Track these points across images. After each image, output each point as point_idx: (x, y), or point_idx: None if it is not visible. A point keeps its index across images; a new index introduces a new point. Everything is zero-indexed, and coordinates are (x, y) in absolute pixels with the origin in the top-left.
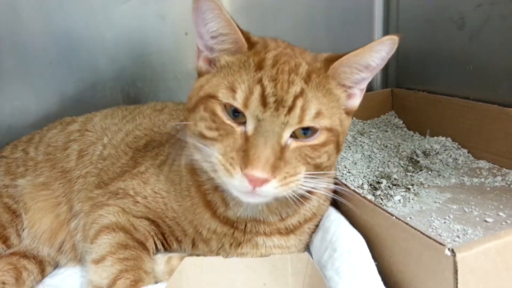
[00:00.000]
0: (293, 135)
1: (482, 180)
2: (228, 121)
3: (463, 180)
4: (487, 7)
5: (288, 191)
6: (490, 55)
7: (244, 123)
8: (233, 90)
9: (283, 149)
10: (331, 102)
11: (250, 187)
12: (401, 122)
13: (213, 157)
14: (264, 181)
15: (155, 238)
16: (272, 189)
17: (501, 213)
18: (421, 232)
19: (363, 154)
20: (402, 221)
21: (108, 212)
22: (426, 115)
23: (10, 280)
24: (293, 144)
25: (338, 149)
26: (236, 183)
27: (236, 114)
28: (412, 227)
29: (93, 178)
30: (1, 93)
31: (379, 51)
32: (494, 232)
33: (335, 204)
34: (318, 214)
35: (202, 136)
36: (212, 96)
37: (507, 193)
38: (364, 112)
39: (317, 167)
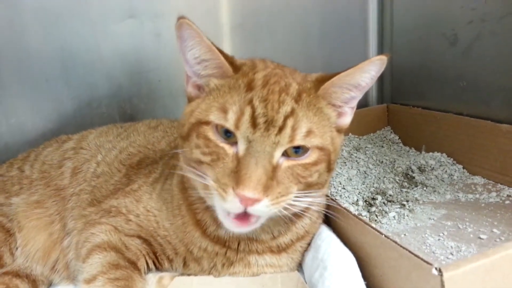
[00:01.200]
0: (285, 154)
1: (477, 196)
2: (221, 144)
3: (458, 196)
4: (478, 23)
5: (279, 209)
6: (482, 71)
7: (236, 143)
8: (224, 111)
9: (275, 168)
10: (322, 121)
11: (241, 207)
12: (397, 137)
13: (208, 181)
14: (256, 201)
15: (147, 257)
16: (264, 207)
17: (495, 230)
18: (409, 251)
19: (359, 170)
20: (391, 239)
21: (100, 230)
22: (422, 131)
23: None
24: (285, 163)
25: (329, 167)
26: (228, 205)
27: (228, 135)
28: (401, 246)
29: (86, 196)
30: None
31: (369, 71)
32: (488, 249)
33: (326, 221)
34: (311, 232)
35: (199, 162)
36: (203, 122)
37: (502, 209)
38: (360, 128)
39: (308, 185)
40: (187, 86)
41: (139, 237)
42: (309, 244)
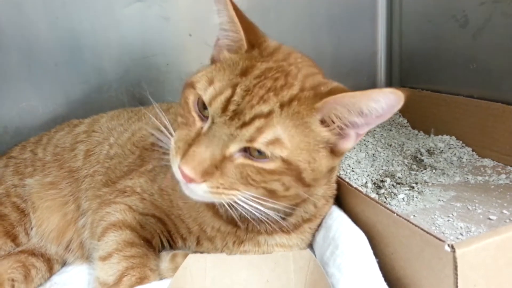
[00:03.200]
0: (247, 151)
1: (486, 178)
2: (193, 112)
3: (467, 178)
4: (490, 5)
5: (221, 201)
6: (493, 53)
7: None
8: (209, 84)
9: (224, 159)
10: (304, 136)
11: (182, 179)
12: (406, 121)
13: (171, 140)
14: (192, 181)
15: (161, 236)
16: (201, 191)
17: (505, 211)
18: (422, 229)
19: (367, 153)
20: (403, 218)
21: (115, 210)
22: (430, 114)
23: (19, 278)
24: (240, 159)
25: (304, 183)
26: (174, 169)
27: (205, 108)
28: (413, 223)
29: (100, 177)
30: (8, 95)
31: (378, 102)
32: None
33: (337, 201)
34: (319, 215)
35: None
36: (191, 85)
37: (511, 190)
38: None
39: (271, 193)
40: (214, 48)
41: (154, 216)
42: (319, 226)
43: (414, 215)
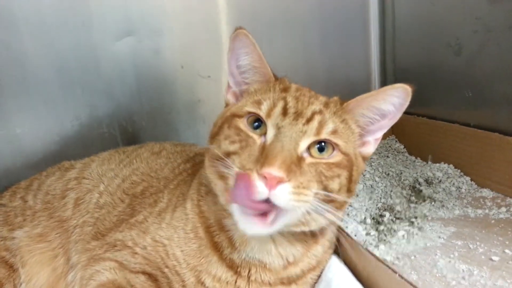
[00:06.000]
0: (309, 152)
1: (487, 211)
2: (251, 133)
3: (467, 211)
4: (483, 34)
5: (300, 205)
6: (488, 82)
7: (264, 134)
8: (259, 103)
9: (299, 158)
10: (347, 130)
11: (265, 191)
12: (402, 146)
13: (232, 170)
14: (280, 181)
15: None
16: (286, 193)
17: (507, 250)
18: None
19: (365, 184)
20: (406, 280)
21: (105, 268)
22: (427, 141)
23: None
24: (309, 159)
25: (350, 181)
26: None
27: (257, 124)
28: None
29: (89, 228)
30: None
31: (391, 95)
32: (501, 273)
33: (336, 250)
34: (322, 263)
35: (226, 153)
36: (236, 115)
37: None
38: None
39: (328, 189)
40: (227, 94)
41: (144, 272)
42: (319, 276)
43: (415, 256)
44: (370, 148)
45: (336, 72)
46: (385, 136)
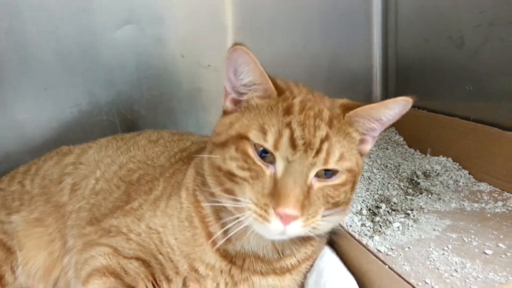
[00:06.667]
0: (316, 175)
1: (483, 205)
2: (259, 162)
3: (464, 205)
4: (485, 28)
5: (308, 230)
6: (489, 76)
7: (271, 163)
8: (263, 132)
9: (309, 189)
10: (350, 144)
11: (282, 228)
12: (402, 139)
13: (244, 203)
14: (294, 218)
15: (146, 280)
16: (298, 227)
17: (500, 244)
18: (413, 286)
19: (362, 175)
20: (395, 272)
21: (99, 253)
22: (427, 134)
23: None
24: (317, 184)
25: (353, 187)
26: (272, 226)
27: (264, 155)
28: (405, 280)
29: (85, 214)
30: None
31: (393, 109)
32: (493, 266)
33: (330, 241)
34: (317, 252)
35: (231, 174)
36: (244, 137)
37: (508, 220)
38: None
39: (334, 205)
40: (225, 100)
41: (138, 258)
42: (311, 265)
43: (409, 247)
44: (368, 145)
45: (338, 63)
46: (385, 129)
